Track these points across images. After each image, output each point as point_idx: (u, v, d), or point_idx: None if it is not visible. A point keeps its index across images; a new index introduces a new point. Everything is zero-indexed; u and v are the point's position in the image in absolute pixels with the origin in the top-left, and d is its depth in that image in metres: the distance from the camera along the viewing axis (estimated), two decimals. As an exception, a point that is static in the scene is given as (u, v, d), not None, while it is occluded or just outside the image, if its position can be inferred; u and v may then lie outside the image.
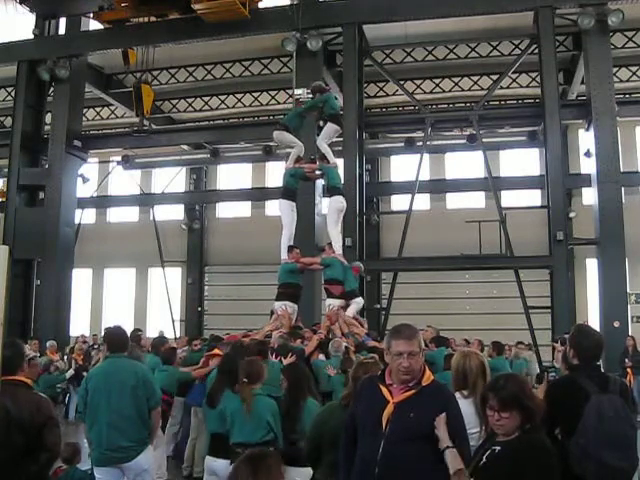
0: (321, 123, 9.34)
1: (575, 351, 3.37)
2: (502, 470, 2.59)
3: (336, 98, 9.98)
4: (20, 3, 16.10)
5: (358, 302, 8.79)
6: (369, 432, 2.87)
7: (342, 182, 9.82)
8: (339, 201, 9.12)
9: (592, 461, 2.95)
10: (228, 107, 19.30)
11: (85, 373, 7.49)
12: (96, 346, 14.41)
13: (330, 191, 9.23)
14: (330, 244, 8.96)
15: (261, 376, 4.64)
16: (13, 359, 3.28)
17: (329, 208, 9.32)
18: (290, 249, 8.91)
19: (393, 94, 17.55)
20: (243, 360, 4.89)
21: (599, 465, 2.93)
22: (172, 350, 7.50)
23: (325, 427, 3.70)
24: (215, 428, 4.71)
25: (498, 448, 2.68)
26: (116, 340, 4.69)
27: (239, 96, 19.01)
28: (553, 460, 2.63)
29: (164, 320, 19.39)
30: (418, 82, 17.35)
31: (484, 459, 2.70)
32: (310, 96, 13.57)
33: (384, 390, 2.91)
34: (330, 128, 9.30)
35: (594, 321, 12.86)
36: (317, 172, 9.44)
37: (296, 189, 9.34)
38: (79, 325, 18.91)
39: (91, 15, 15.71)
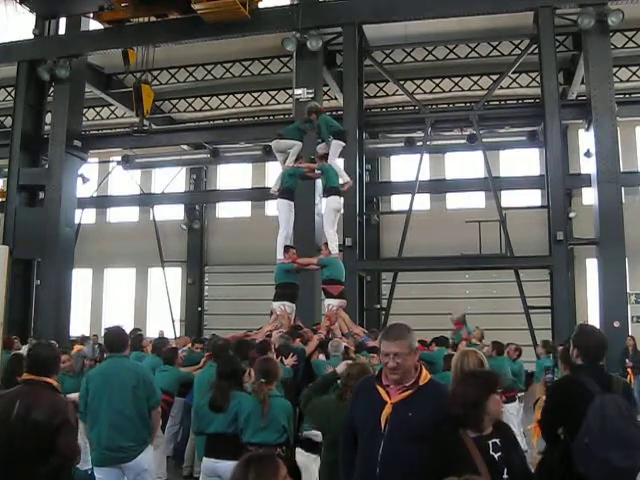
0: (330, 138, 9.33)
1: (579, 351, 3.37)
2: (515, 451, 2.78)
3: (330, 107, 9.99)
4: (20, 3, 16.08)
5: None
6: (368, 433, 2.88)
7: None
8: (336, 201, 9.13)
9: (596, 461, 2.95)
10: (228, 107, 19.30)
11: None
12: (96, 346, 14.44)
13: (328, 191, 9.23)
14: (326, 244, 8.98)
15: (277, 375, 4.65)
16: (49, 361, 3.29)
17: (326, 208, 9.37)
18: (286, 249, 8.92)
19: (393, 94, 17.55)
20: (258, 359, 4.91)
21: (603, 465, 2.94)
22: (173, 350, 7.52)
23: (325, 426, 3.71)
24: (219, 429, 4.63)
25: (498, 440, 2.74)
26: (116, 340, 4.69)
27: (239, 96, 19.00)
28: None
29: (164, 320, 19.39)
30: (418, 82, 17.34)
31: (495, 454, 2.71)
32: (311, 96, 13.69)
33: (381, 391, 2.91)
34: (336, 146, 9.24)
35: (594, 321, 12.86)
36: (316, 172, 9.45)
37: (294, 189, 9.35)
38: (79, 325, 18.93)
39: (91, 15, 15.69)
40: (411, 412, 2.82)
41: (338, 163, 9.46)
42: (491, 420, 2.78)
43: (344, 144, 9.42)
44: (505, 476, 2.67)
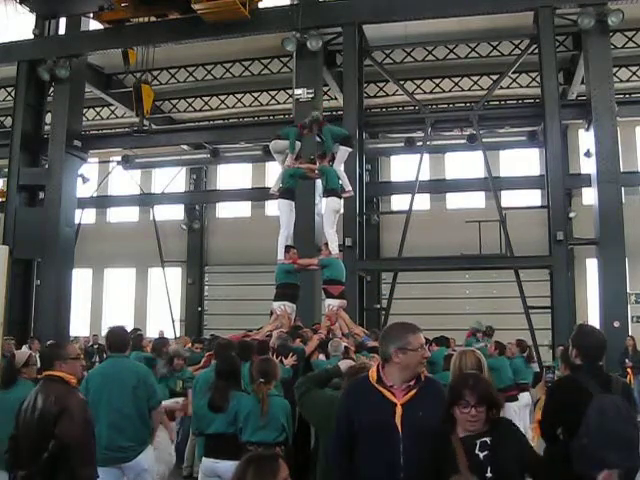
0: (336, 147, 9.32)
1: (578, 351, 3.37)
2: (513, 452, 2.74)
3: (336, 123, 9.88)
4: (20, 3, 16.07)
5: None
6: (381, 437, 2.82)
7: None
8: (336, 202, 9.13)
9: (595, 461, 2.95)
10: (228, 107, 19.29)
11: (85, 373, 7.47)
12: (95, 346, 14.45)
13: (328, 192, 9.23)
14: (327, 244, 8.98)
15: (276, 375, 4.66)
16: (47, 355, 3.57)
17: (325, 209, 9.38)
18: (287, 249, 8.92)
19: (393, 94, 17.55)
20: (257, 359, 4.91)
21: (602, 465, 2.94)
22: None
23: (324, 425, 3.66)
24: (219, 429, 4.63)
25: (488, 439, 2.74)
26: (117, 340, 4.69)
27: (239, 96, 19.00)
28: None
29: (164, 320, 19.39)
30: (418, 82, 17.34)
31: (481, 452, 2.72)
32: (311, 96, 13.69)
33: (386, 392, 2.87)
34: (343, 152, 9.21)
35: (594, 321, 12.87)
36: (316, 172, 9.45)
37: (295, 188, 9.36)
38: (79, 325, 18.93)
39: (91, 15, 15.68)
40: (421, 411, 2.81)
41: (342, 169, 9.39)
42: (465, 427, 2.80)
43: (351, 149, 9.41)
44: (488, 475, 2.67)
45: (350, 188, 9.47)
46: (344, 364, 4.04)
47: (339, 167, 9.24)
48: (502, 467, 2.70)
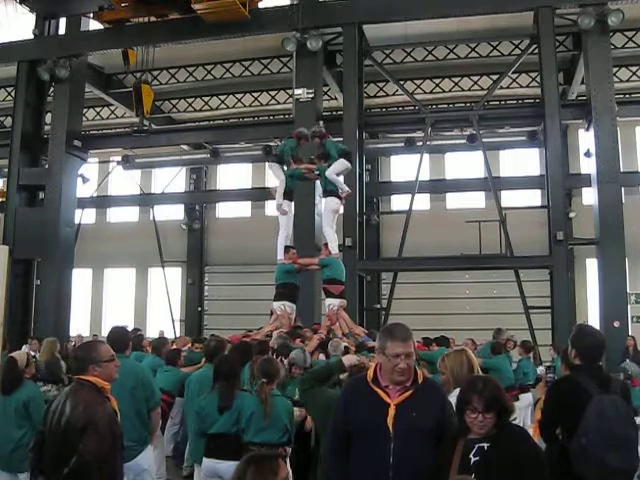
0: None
1: (577, 351, 3.38)
2: (506, 462, 2.65)
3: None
4: (20, 3, 16.08)
5: None
6: (374, 436, 2.84)
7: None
8: (335, 202, 9.14)
9: (593, 461, 2.95)
10: (228, 107, 19.30)
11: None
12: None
13: (327, 192, 9.23)
14: (326, 244, 8.99)
15: (278, 375, 4.66)
16: (81, 359, 3.36)
17: (324, 209, 9.41)
18: (287, 249, 8.95)
19: (393, 94, 17.55)
20: (260, 359, 4.92)
21: (600, 465, 2.94)
22: (176, 351, 7.55)
23: (325, 422, 3.67)
24: (221, 429, 4.62)
25: (486, 445, 2.73)
26: (118, 340, 4.70)
27: (239, 96, 19.00)
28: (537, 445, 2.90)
29: (164, 320, 19.40)
30: (418, 82, 17.34)
31: (473, 457, 2.72)
32: (311, 96, 13.69)
33: (381, 392, 2.89)
34: (341, 164, 9.10)
35: (594, 321, 12.88)
36: (315, 173, 9.44)
37: (293, 189, 9.37)
38: (79, 325, 18.93)
39: (91, 15, 15.68)
40: (415, 412, 2.82)
41: (339, 177, 9.28)
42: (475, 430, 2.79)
43: (349, 165, 9.28)
44: None
45: (347, 189, 9.32)
46: (347, 359, 4.04)
47: (332, 175, 9.05)
48: (487, 477, 2.68)
